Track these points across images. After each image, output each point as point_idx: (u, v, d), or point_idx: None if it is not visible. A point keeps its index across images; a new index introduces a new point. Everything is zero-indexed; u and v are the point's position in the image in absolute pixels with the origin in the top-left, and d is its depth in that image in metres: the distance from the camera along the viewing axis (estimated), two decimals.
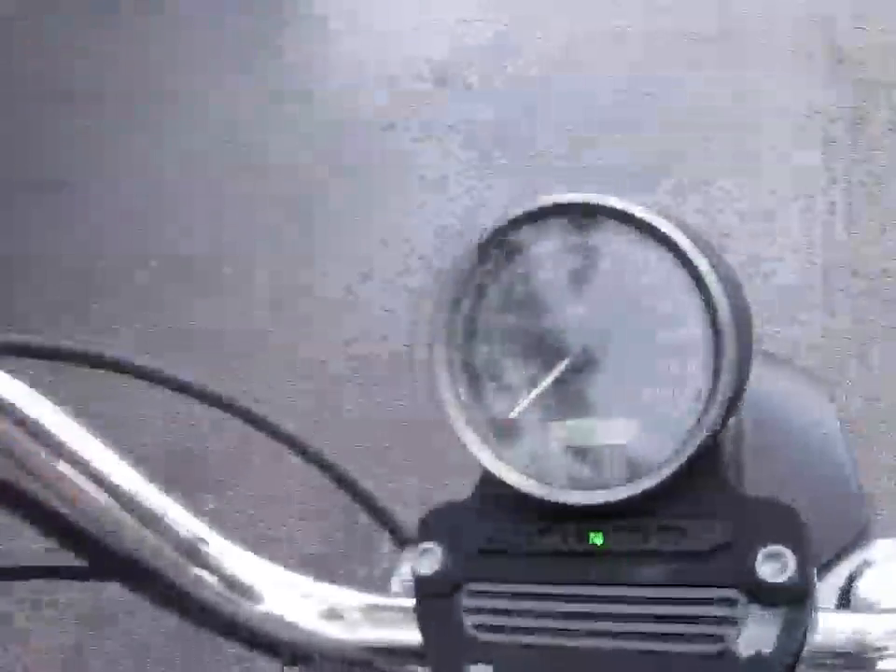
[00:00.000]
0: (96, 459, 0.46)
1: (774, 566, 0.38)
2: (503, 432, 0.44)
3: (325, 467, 0.57)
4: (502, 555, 0.43)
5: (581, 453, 0.42)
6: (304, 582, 0.49)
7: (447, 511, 0.45)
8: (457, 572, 0.43)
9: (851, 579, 0.62)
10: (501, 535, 0.43)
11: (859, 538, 0.61)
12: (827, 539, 0.58)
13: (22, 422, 0.45)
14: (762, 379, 0.52)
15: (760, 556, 0.38)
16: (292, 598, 0.48)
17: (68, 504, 0.46)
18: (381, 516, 0.59)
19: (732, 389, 0.40)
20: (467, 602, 0.42)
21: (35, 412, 0.45)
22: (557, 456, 0.43)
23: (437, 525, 0.45)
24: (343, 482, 0.58)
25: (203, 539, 0.48)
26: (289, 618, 0.47)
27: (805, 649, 0.39)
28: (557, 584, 0.42)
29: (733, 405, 0.41)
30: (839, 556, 0.59)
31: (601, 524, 0.42)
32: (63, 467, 0.45)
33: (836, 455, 0.67)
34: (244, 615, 0.47)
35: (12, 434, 0.44)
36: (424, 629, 0.43)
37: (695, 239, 0.41)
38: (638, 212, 0.41)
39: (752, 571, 0.38)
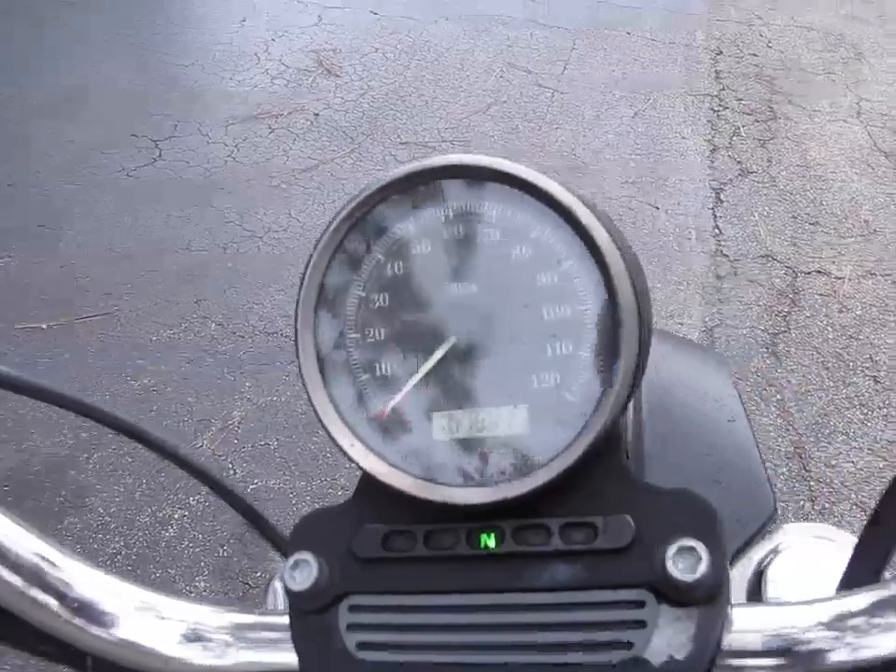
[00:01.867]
0: None
1: (685, 562, 0.34)
2: (384, 428, 0.38)
3: (203, 476, 0.51)
4: (385, 564, 0.38)
5: (469, 447, 0.37)
6: (163, 602, 0.42)
7: (323, 517, 0.40)
8: (334, 584, 0.38)
9: (761, 567, 0.59)
10: (383, 541, 0.38)
11: (766, 524, 0.58)
12: (736, 528, 0.55)
13: None
14: (658, 362, 0.48)
15: (670, 552, 0.34)
16: (149, 621, 0.41)
17: None
18: (262, 527, 0.53)
19: (632, 366, 0.36)
20: (346, 617, 0.37)
21: None
22: (443, 452, 0.38)
23: (311, 532, 0.39)
24: (225, 493, 0.51)
25: (44, 559, 0.41)
26: (146, 644, 0.41)
27: (721, 649, 0.35)
28: (447, 594, 0.37)
29: (634, 385, 0.37)
30: (747, 545, 0.56)
31: (495, 524, 0.37)
32: None
33: (740, 440, 0.64)
34: (92, 644, 0.41)
35: None
36: (299, 649, 0.38)
37: (592, 207, 0.37)
38: (531, 176, 0.37)
39: (662, 569, 0.34)
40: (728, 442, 0.64)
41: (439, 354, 0.38)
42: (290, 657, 0.39)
